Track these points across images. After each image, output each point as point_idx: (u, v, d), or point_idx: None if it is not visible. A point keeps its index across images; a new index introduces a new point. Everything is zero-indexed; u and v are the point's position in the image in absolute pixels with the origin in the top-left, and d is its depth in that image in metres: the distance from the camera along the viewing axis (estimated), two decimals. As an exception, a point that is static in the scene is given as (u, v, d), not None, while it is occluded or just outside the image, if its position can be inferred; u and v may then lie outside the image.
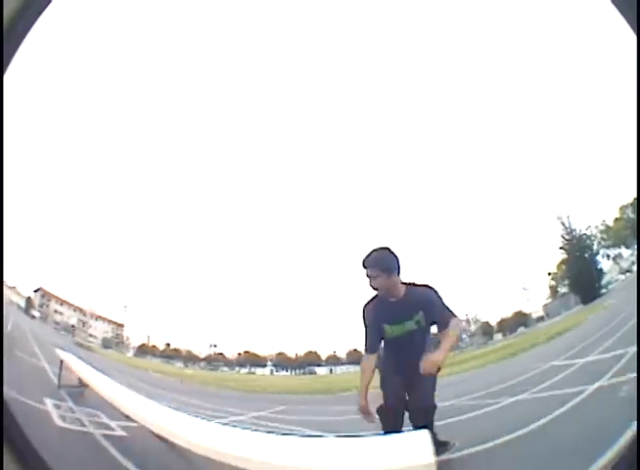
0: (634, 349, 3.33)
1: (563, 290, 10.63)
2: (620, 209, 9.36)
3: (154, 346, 15.27)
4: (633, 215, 8.76)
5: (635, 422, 0.84)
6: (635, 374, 1.12)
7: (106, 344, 14.27)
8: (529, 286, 10.67)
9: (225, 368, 15.35)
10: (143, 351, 15.07)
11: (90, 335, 14.14)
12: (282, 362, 15.56)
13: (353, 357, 15.12)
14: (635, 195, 7.59)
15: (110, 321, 14.88)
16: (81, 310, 14.48)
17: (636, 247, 8.15)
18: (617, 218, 9.47)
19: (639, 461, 0.78)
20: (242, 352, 15.74)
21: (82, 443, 2.72)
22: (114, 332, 14.85)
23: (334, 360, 15.49)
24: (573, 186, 10.54)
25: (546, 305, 10.96)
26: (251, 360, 15.63)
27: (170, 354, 15.47)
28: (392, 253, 2.34)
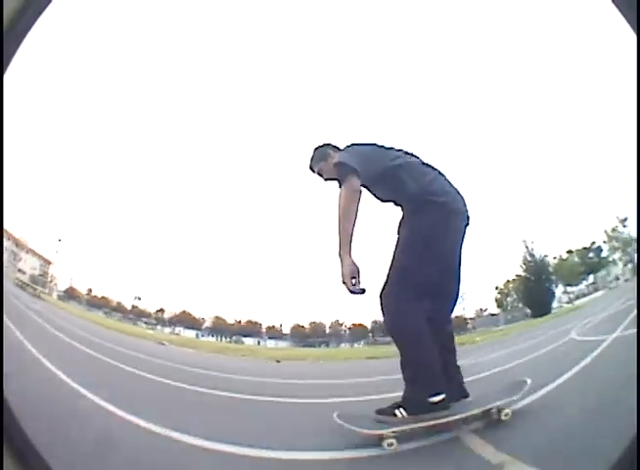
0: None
1: (505, 304, 12.07)
2: (567, 252, 11.32)
3: (73, 288, 14.46)
4: (578, 260, 10.74)
5: (635, 423, 0.83)
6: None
7: (34, 281, 13.04)
8: (466, 296, 11.98)
9: (143, 324, 14.74)
10: (69, 295, 14.29)
11: (19, 270, 12.76)
12: (216, 328, 15.27)
13: (296, 333, 15.14)
14: (635, 204, 8.40)
15: (39, 256, 13.75)
16: (14, 240, 12.73)
17: (636, 250, 9.13)
18: (562, 259, 11.34)
19: (639, 462, 0.78)
20: (163, 311, 15.06)
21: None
22: (41, 269, 13.80)
23: (275, 333, 15.36)
24: (539, 216, 12.02)
25: (475, 318, 12.43)
26: (185, 321, 15.21)
27: (96, 303, 14.62)
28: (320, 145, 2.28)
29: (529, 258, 11.02)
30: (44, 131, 14.35)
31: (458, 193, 2.09)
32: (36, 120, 13.51)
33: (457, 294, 2.10)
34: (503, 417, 1.83)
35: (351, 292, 1.84)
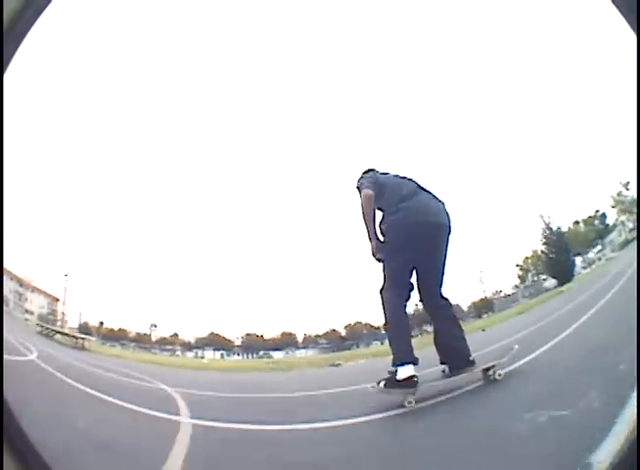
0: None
1: (529, 280, 13.10)
2: (574, 222, 12.47)
3: (87, 323, 13.83)
4: (587, 228, 11.88)
5: (635, 423, 0.83)
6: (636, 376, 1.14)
7: (42, 319, 12.29)
8: (486, 279, 13.46)
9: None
10: (82, 330, 13.32)
11: (26, 310, 12.25)
12: (251, 344, 15.12)
13: (331, 338, 15.19)
14: (635, 194, 9.78)
15: (45, 294, 13.27)
16: (18, 279, 12.38)
17: (636, 243, 9.87)
18: (569, 228, 12.47)
19: (639, 463, 0.78)
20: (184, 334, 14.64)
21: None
22: (49, 307, 13.36)
23: (310, 342, 15.28)
24: (551, 190, 12.88)
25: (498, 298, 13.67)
26: (214, 343, 14.96)
27: (113, 336, 14.08)
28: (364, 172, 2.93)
29: (548, 232, 11.85)
30: (44, 135, 14.29)
31: (438, 207, 2.65)
32: (36, 123, 13.46)
33: (440, 278, 2.64)
34: (497, 377, 2.26)
35: (377, 260, 2.61)
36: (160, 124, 17.50)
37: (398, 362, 2.26)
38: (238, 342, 15.12)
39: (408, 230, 2.50)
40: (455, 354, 2.45)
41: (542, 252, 12.20)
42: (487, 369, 2.32)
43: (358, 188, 2.76)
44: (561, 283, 11.17)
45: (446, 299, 2.62)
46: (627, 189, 10.53)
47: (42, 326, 10.41)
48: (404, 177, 2.85)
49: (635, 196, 10.12)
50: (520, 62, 14.72)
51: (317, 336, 15.34)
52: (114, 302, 14.18)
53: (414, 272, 2.58)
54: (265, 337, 15.40)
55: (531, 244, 12.75)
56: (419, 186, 2.72)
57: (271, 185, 17.16)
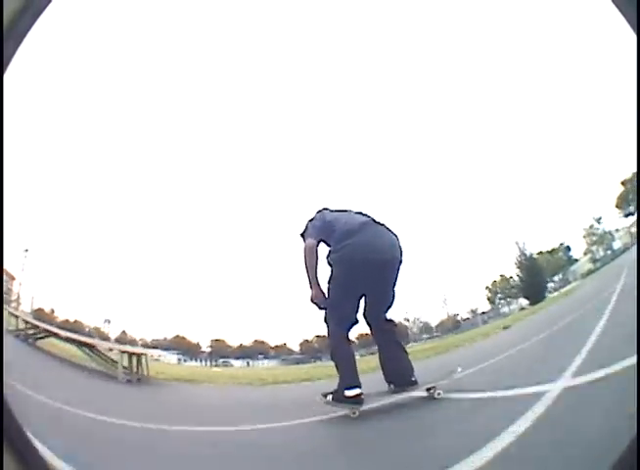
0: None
1: (495, 304, 13.85)
2: (538, 253, 13.37)
3: (41, 309, 11.20)
4: (553, 257, 13.17)
5: (635, 423, 0.83)
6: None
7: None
8: (449, 300, 13.55)
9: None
10: (39, 317, 10.88)
11: None
12: (220, 351, 14.27)
13: (306, 349, 14.62)
14: (635, 201, 10.03)
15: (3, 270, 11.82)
16: None
17: (636, 245, 10.43)
18: (540, 256, 13.54)
19: (639, 462, 0.78)
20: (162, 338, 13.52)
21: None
22: (5, 285, 11.13)
23: (284, 352, 14.56)
24: (524, 216, 12.70)
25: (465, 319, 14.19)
26: (184, 347, 13.86)
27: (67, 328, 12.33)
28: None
29: (522, 256, 13.13)
30: (41, 133, 14.19)
31: (383, 243, 2.74)
32: (35, 122, 13.40)
33: (387, 305, 2.80)
34: (436, 396, 2.43)
35: (318, 307, 2.77)
36: (135, 117, 17.24)
37: (345, 386, 2.49)
38: (204, 347, 14.56)
39: (351, 267, 2.66)
40: (399, 375, 2.64)
41: (517, 275, 13.39)
42: (430, 388, 2.52)
43: (302, 236, 2.91)
44: (533, 302, 12.57)
45: (391, 321, 2.82)
46: (599, 223, 11.91)
47: (28, 323, 5.70)
48: (358, 212, 2.99)
49: (607, 228, 11.47)
50: (517, 63, 14.65)
51: (288, 347, 15.14)
52: (69, 289, 12.73)
53: (362, 298, 2.77)
54: (232, 344, 14.90)
55: (498, 268, 13.75)
56: (368, 222, 2.82)
57: (250, 185, 16.95)
